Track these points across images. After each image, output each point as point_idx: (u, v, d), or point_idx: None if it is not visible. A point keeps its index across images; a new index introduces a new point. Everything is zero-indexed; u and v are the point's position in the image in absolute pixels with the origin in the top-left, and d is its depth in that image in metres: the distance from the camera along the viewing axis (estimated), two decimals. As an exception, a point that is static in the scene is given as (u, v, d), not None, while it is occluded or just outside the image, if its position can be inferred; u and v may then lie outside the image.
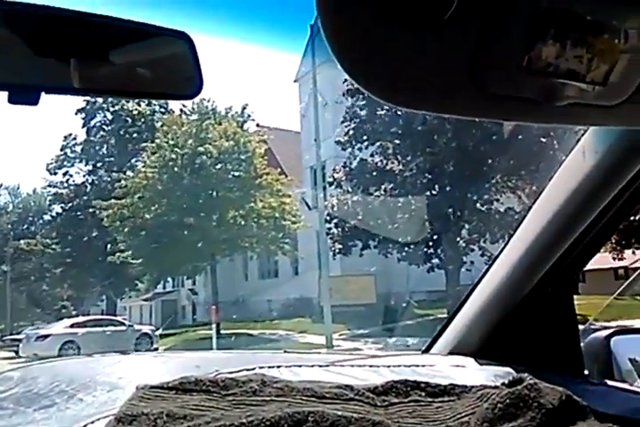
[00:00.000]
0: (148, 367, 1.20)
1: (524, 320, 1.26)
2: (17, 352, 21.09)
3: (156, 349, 20.44)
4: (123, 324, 23.18)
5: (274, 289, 25.87)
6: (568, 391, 0.73)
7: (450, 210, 17.61)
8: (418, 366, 1.05)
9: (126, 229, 24.11)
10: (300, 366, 1.02)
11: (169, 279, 30.37)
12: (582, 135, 1.05)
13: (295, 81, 26.41)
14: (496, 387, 0.78)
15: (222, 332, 22.13)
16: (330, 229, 19.97)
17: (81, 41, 0.85)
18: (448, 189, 17.42)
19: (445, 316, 18.03)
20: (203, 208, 23.14)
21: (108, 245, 27.89)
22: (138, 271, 26.29)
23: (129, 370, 1.12)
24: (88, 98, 31.98)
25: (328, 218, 19.89)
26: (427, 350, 1.41)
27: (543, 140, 15.93)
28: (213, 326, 20.12)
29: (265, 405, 0.72)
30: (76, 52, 0.84)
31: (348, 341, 18.08)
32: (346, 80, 19.34)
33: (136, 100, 31.66)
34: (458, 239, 18.09)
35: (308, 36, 20.15)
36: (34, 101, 0.83)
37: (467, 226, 18.14)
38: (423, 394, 0.79)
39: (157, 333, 23.20)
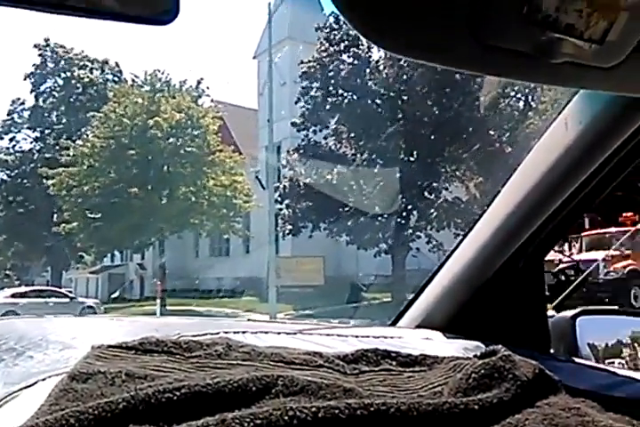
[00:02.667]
0: (105, 329, 1.15)
1: (493, 296, 1.26)
2: (-51, 321, 20.80)
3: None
4: (66, 296, 23.11)
5: (224, 267, 26.05)
6: (541, 366, 0.73)
7: (398, 197, 18.06)
8: (386, 337, 1.04)
9: (72, 199, 23.88)
10: (266, 332, 1.00)
11: (117, 253, 30.18)
12: (564, 107, 1.04)
13: (254, 57, 26.24)
14: (468, 358, 0.78)
15: (168, 307, 22.27)
16: (281, 209, 20.25)
17: None
18: (398, 175, 17.81)
19: (390, 300, 18.72)
20: (152, 182, 23.05)
21: (54, 215, 27.50)
22: (84, 243, 26.04)
23: (84, 331, 1.09)
24: (37, 62, 31.33)
25: (279, 199, 20.16)
26: (393, 324, 1.41)
27: (492, 133, 16.44)
28: (158, 300, 20.31)
29: (231, 368, 0.71)
30: None
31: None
32: (302, 62, 19.60)
33: (88, 67, 31.08)
34: (405, 225, 18.58)
35: (269, 11, 20.04)
36: None
37: (414, 213, 18.64)
38: (394, 363, 0.79)
39: (102, 307, 23.22)
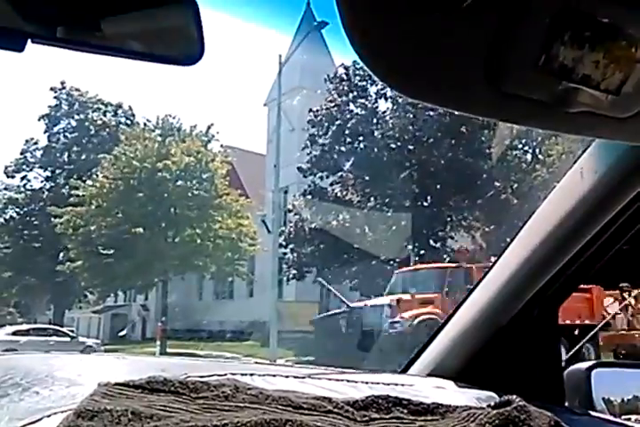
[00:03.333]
0: (111, 367, 1.13)
1: (506, 345, 1.23)
2: (-48, 359, 20.59)
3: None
4: (67, 335, 22.90)
5: (227, 310, 25.80)
6: (556, 417, 0.71)
7: (404, 244, 18.01)
8: (397, 384, 1.01)
9: (79, 238, 23.96)
10: (274, 375, 0.97)
11: (120, 293, 30.05)
12: (580, 156, 1.04)
13: (265, 104, 26.68)
14: (482, 408, 0.75)
15: (168, 350, 22.00)
16: (285, 254, 20.21)
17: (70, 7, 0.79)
18: (403, 223, 17.82)
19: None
20: (159, 224, 23.12)
21: (60, 254, 27.53)
22: (88, 282, 25.97)
23: (90, 368, 1.06)
24: (53, 104, 31.95)
25: (284, 243, 20.15)
26: (404, 371, 1.37)
27: (499, 184, 16.53)
28: (158, 343, 20.08)
29: (238, 411, 0.69)
30: (63, 19, 0.78)
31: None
32: (311, 110, 19.94)
33: (102, 110, 31.62)
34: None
35: (279, 63, 20.47)
36: (20, 48, 0.78)
37: (418, 261, 18.54)
38: (405, 411, 0.76)
39: (102, 347, 22.97)
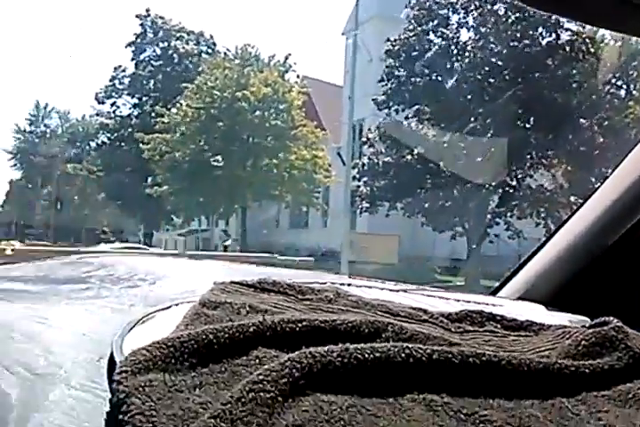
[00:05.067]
0: (222, 270, 1.21)
1: (604, 272, 1.18)
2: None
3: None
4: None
5: (302, 238, 26.16)
6: None
7: (485, 166, 17.13)
8: (488, 304, 0.98)
9: (165, 164, 24.52)
10: (370, 287, 0.99)
11: (204, 218, 30.99)
12: None
13: (343, 34, 25.62)
14: (576, 327, 0.73)
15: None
16: (359, 187, 19.90)
17: None
18: (480, 159, 16.97)
19: (463, 284, 18.17)
20: (237, 152, 23.24)
21: (148, 178, 28.38)
22: (174, 206, 26.85)
23: (204, 270, 1.14)
24: (139, 31, 31.97)
25: (358, 176, 19.80)
26: (493, 294, 1.33)
27: (583, 121, 15.28)
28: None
29: (340, 313, 0.71)
30: None
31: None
32: (388, 39, 18.86)
33: (184, 39, 31.38)
34: (484, 210, 17.81)
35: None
36: None
37: (495, 198, 17.79)
38: (499, 326, 0.76)
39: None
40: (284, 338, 0.59)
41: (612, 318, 0.71)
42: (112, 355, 0.61)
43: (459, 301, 0.99)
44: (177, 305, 0.77)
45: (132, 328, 0.67)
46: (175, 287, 0.92)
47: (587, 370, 0.59)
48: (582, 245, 1.18)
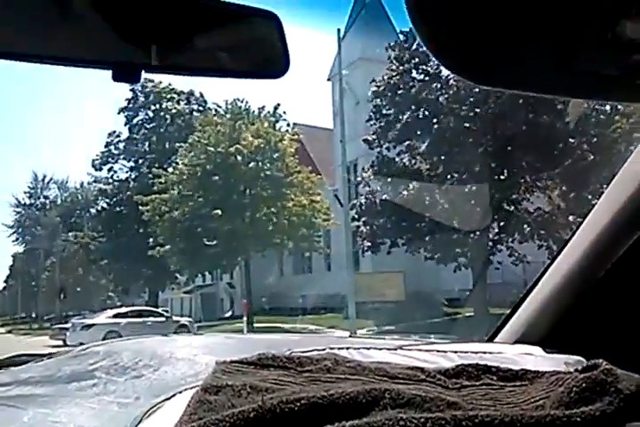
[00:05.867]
0: (221, 346, 1.24)
1: (596, 308, 1.18)
2: (64, 341, 21.70)
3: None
4: (162, 315, 23.64)
5: (307, 284, 25.87)
6: None
7: (477, 209, 17.16)
8: (485, 352, 1.00)
9: (165, 224, 24.49)
10: (368, 348, 1.01)
11: (207, 273, 30.72)
12: None
13: (328, 79, 26.19)
14: (569, 373, 0.74)
15: (255, 325, 22.31)
16: (358, 227, 19.78)
17: (164, 25, 0.83)
18: (474, 188, 16.94)
19: (473, 314, 17.79)
20: (236, 205, 23.23)
21: (150, 239, 28.29)
22: (177, 265, 26.65)
23: (204, 348, 1.15)
24: (130, 96, 32.64)
25: (357, 216, 19.71)
26: (491, 339, 1.35)
27: (572, 140, 15.36)
28: (245, 319, 20.43)
29: (339, 382, 0.72)
30: (158, 37, 0.82)
31: (374, 337, 17.93)
32: (373, 80, 19.23)
33: (175, 99, 32.02)
34: (485, 239, 17.64)
35: (338, 37, 19.84)
36: (136, 79, 0.83)
37: (494, 225, 17.66)
38: (495, 378, 0.77)
39: (195, 325, 23.59)
40: (284, 419, 0.60)
41: (601, 361, 0.71)
42: None
43: (456, 352, 1.00)
44: (181, 393, 0.80)
45: (138, 424, 0.70)
46: (179, 371, 0.94)
47: (578, 418, 0.60)
48: (570, 283, 1.19)
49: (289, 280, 28.67)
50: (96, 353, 1.08)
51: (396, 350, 1.02)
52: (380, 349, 1.02)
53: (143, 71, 0.84)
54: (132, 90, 32.30)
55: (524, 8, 0.49)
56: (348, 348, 0.99)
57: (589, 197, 14.42)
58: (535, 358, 1.01)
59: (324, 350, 0.95)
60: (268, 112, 25.49)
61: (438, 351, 1.01)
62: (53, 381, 0.95)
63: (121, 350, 1.08)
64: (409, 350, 1.03)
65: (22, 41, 0.83)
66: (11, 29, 0.82)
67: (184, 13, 0.85)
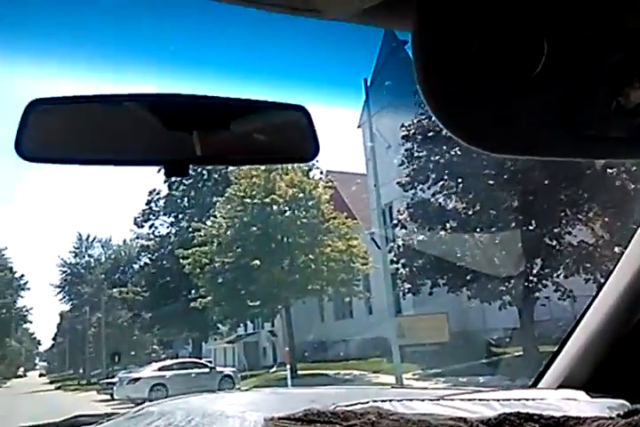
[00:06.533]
0: (268, 401, 1.23)
1: (636, 351, 1.16)
2: (112, 395, 21.43)
3: (239, 389, 20.37)
4: (206, 366, 23.40)
5: (349, 329, 25.31)
6: None
7: (518, 245, 16.62)
8: (528, 399, 0.98)
9: (206, 276, 24.48)
10: (411, 399, 0.99)
11: (249, 322, 30.40)
12: None
13: (358, 126, 26.39)
14: (611, 418, 0.74)
15: (299, 372, 21.79)
16: (397, 269, 19.35)
17: (204, 120, 0.91)
18: (514, 224, 16.47)
19: (521, 353, 16.98)
20: (274, 254, 23.15)
21: (192, 291, 28.27)
22: (218, 315, 26.48)
23: (252, 404, 1.15)
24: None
25: (395, 258, 19.31)
26: (534, 385, 1.33)
27: (610, 170, 14.93)
28: (288, 367, 20.02)
29: None
30: (198, 125, 0.89)
31: (420, 380, 17.33)
32: (402, 125, 19.22)
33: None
34: (529, 275, 17.02)
35: (365, 87, 20.06)
36: (185, 173, 0.91)
37: (538, 261, 17.05)
38: (537, 426, 0.76)
39: (239, 375, 23.19)
40: None
41: None
42: None
43: (498, 400, 0.98)
44: None
45: None
46: None
47: None
48: (612, 323, 1.16)
49: (330, 326, 28.08)
50: (151, 413, 1.09)
51: (438, 400, 1.01)
52: (423, 400, 1.00)
53: (190, 165, 0.91)
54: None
55: (532, 80, 0.50)
56: (390, 400, 0.98)
57: (634, 226, 13.84)
58: (578, 404, 0.98)
59: (367, 402, 0.95)
60: (302, 162, 25.67)
61: (481, 400, 0.99)
62: None
63: (174, 410, 1.09)
64: (451, 399, 1.02)
65: (85, 149, 0.91)
66: (77, 141, 0.90)
67: (222, 111, 0.91)
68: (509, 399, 0.99)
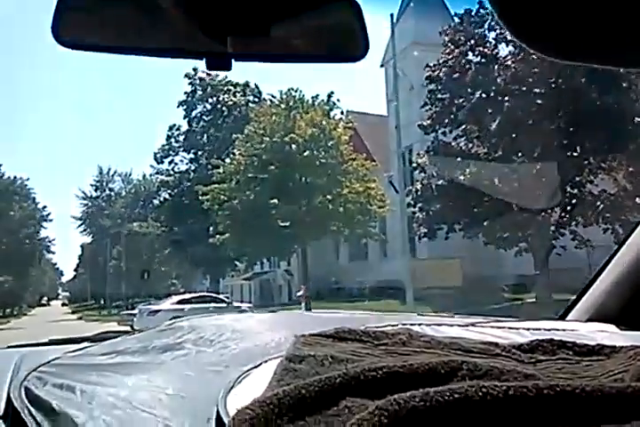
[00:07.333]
0: (298, 321, 1.26)
1: None
2: (132, 327, 22.21)
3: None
4: (224, 301, 23.92)
5: (364, 271, 25.62)
6: None
7: (538, 193, 16.42)
8: (558, 329, 0.98)
9: (224, 212, 24.66)
10: (440, 324, 1.01)
11: (265, 260, 30.92)
12: None
13: (381, 65, 25.66)
14: None
15: (313, 311, 22.25)
16: (414, 213, 19.33)
17: (242, 16, 0.83)
18: (535, 171, 16.20)
19: (534, 300, 17.14)
20: (292, 193, 23.17)
21: (210, 228, 28.63)
22: (236, 252, 26.86)
23: (281, 323, 1.19)
24: (188, 89, 32.94)
25: (412, 202, 19.26)
26: (562, 318, 1.32)
27: (639, 119, 14.46)
28: (302, 305, 20.44)
29: (415, 355, 0.73)
30: (235, 27, 0.83)
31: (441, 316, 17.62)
32: (427, 65, 18.65)
33: (231, 92, 32.13)
34: (547, 222, 16.90)
35: (391, 22, 19.28)
36: (228, 67, 0.86)
37: (557, 209, 16.88)
38: (570, 353, 0.76)
39: (255, 311, 23.73)
40: (367, 386, 0.61)
41: None
42: (218, 414, 0.67)
43: (528, 329, 0.98)
44: (266, 362, 0.82)
45: (231, 388, 0.73)
46: (261, 343, 0.96)
47: None
48: None
49: (345, 267, 28.45)
50: (181, 328, 1.10)
51: (467, 326, 1.01)
52: (452, 325, 1.01)
53: (233, 60, 0.85)
54: (190, 83, 32.60)
55: None
56: (420, 324, 0.99)
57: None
58: (610, 335, 0.98)
59: (396, 325, 0.96)
60: (322, 101, 25.25)
61: (510, 328, 0.99)
62: (148, 351, 0.98)
63: (205, 326, 1.10)
64: (481, 326, 1.02)
65: (122, 37, 0.88)
66: (112, 27, 0.87)
67: (261, 4, 0.84)
68: (539, 329, 0.99)
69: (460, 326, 1.02)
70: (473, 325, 1.04)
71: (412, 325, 0.97)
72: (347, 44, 0.92)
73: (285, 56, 0.92)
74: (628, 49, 0.50)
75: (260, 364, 0.82)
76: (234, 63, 0.86)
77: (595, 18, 0.47)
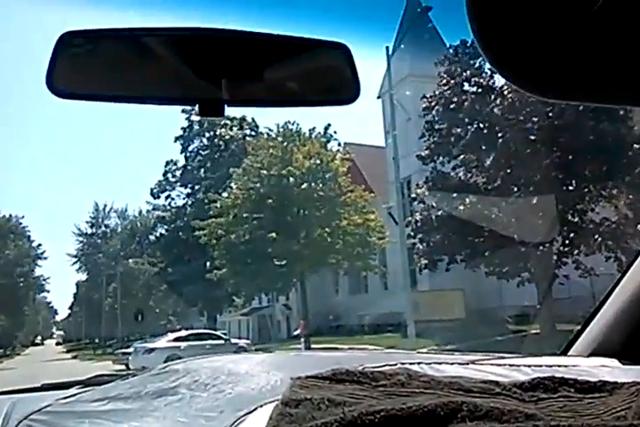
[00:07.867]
0: (294, 363, 1.25)
1: None
2: (127, 365, 21.77)
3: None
4: (221, 338, 23.55)
5: (364, 304, 25.33)
6: None
7: (539, 222, 16.36)
8: (559, 366, 0.98)
9: (221, 247, 24.50)
10: (440, 363, 0.99)
11: (264, 295, 30.57)
12: None
13: (378, 97, 25.97)
14: None
15: (312, 346, 21.91)
16: (414, 244, 19.20)
17: (235, 61, 0.86)
18: (535, 201, 16.18)
19: (539, 331, 16.88)
20: (290, 226, 23.08)
21: (207, 263, 28.43)
22: (233, 288, 26.60)
23: (277, 364, 1.16)
24: (185, 125, 33.21)
25: (412, 233, 19.16)
26: (564, 353, 1.32)
27: (638, 146, 14.54)
28: (302, 340, 20.10)
29: (414, 396, 0.71)
30: (231, 73, 0.85)
31: (441, 353, 17.27)
32: (423, 96, 18.86)
33: (228, 126, 32.40)
34: (549, 252, 16.78)
35: (387, 55, 19.59)
36: (221, 113, 0.86)
37: (558, 238, 16.79)
38: (572, 390, 0.74)
39: (253, 347, 23.36)
40: None
41: None
42: None
43: (530, 366, 0.97)
44: (261, 406, 0.82)
45: None
46: (257, 387, 0.94)
47: None
48: None
49: (345, 300, 28.14)
50: (176, 371, 1.08)
51: (467, 364, 1.00)
52: (452, 363, 0.99)
53: (226, 106, 0.85)
54: (187, 118, 32.90)
55: (589, 27, 0.47)
56: (419, 363, 0.97)
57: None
58: (612, 370, 0.97)
59: (395, 365, 0.93)
60: (319, 133, 25.46)
61: (511, 366, 0.98)
62: (141, 397, 0.97)
63: (200, 368, 1.08)
64: (481, 364, 1.01)
65: (116, 86, 0.89)
66: (106, 76, 0.88)
67: (253, 49, 0.86)
68: (540, 365, 0.97)
69: (460, 364, 1.00)
70: (473, 362, 1.03)
71: (410, 364, 0.96)
72: (339, 87, 0.93)
73: (278, 101, 0.94)
74: (615, 88, 0.49)
75: (256, 408, 0.81)
76: (226, 108, 0.87)
77: (578, 58, 0.47)
